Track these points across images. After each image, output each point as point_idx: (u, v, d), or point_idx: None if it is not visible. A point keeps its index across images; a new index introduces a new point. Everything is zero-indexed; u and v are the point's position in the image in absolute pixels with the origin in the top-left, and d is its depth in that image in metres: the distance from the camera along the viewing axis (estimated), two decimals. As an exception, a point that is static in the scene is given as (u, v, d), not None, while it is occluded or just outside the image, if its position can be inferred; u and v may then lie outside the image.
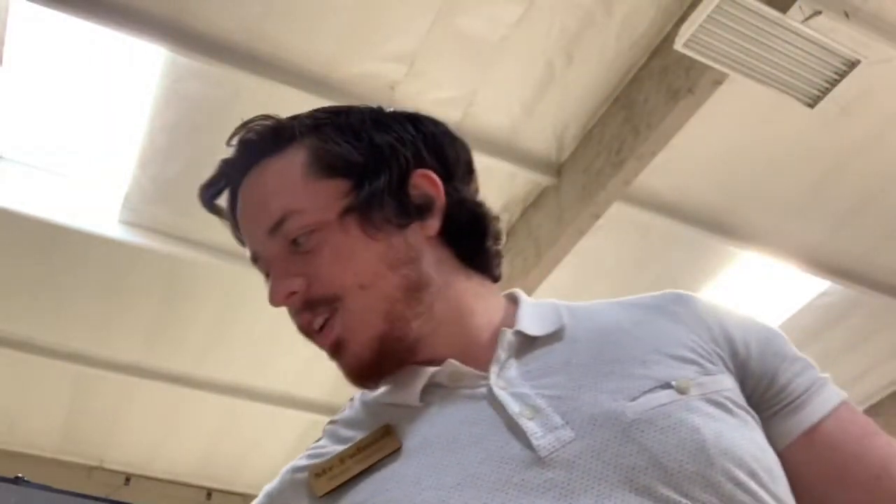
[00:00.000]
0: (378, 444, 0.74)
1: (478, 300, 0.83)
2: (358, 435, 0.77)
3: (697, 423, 0.68)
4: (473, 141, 3.64)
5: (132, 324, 4.34)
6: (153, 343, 4.45)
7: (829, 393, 0.78)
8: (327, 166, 0.82)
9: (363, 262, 0.78)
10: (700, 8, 2.64)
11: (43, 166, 3.66)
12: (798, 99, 2.85)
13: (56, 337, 4.40)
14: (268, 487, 0.80)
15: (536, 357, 0.77)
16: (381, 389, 0.82)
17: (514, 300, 0.86)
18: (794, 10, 2.70)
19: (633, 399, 0.70)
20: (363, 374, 0.80)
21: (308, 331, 0.81)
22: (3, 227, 3.75)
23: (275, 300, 0.80)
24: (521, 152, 3.46)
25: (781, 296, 4.17)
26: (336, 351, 0.80)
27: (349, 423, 0.81)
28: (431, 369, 0.77)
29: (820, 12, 2.75)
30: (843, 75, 2.79)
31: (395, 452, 0.73)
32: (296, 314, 0.81)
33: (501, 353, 0.77)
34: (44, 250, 3.90)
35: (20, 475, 2.39)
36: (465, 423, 0.72)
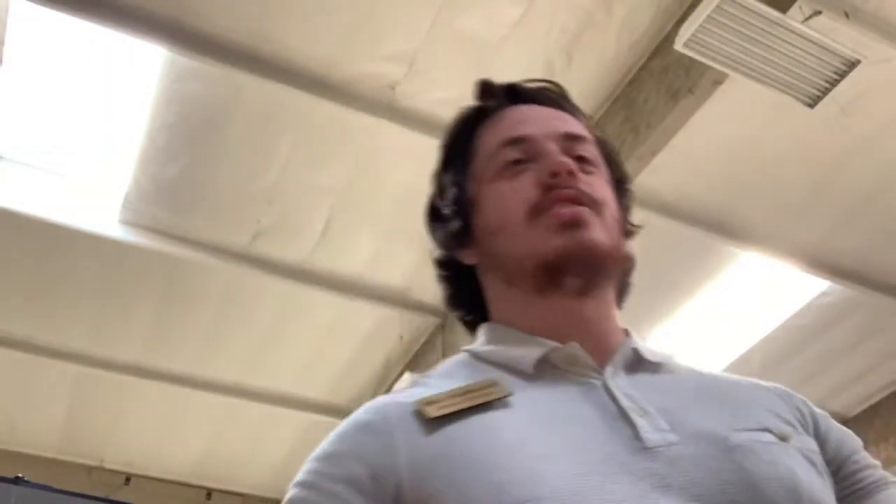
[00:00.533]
0: (485, 391, 0.76)
1: (617, 315, 0.89)
2: (459, 384, 0.78)
3: (795, 467, 0.72)
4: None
5: (132, 324, 4.34)
6: (153, 343, 4.45)
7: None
8: (606, 159, 0.93)
9: (616, 213, 0.88)
10: (700, 8, 2.64)
11: (43, 166, 3.67)
12: (798, 99, 2.85)
13: (56, 337, 4.40)
14: (362, 418, 0.77)
15: (644, 377, 0.81)
16: (490, 347, 0.84)
17: (625, 331, 0.91)
18: (794, 10, 2.70)
19: (736, 430, 0.74)
20: (588, 252, 0.81)
21: (562, 194, 0.83)
22: (3, 227, 3.75)
23: (561, 165, 0.84)
24: (521, 152, 3.45)
25: (781, 296, 4.17)
26: (578, 223, 0.82)
27: (446, 376, 0.82)
28: (552, 343, 0.80)
29: (820, 12, 2.75)
30: (843, 75, 2.79)
31: (504, 400, 0.74)
32: (561, 182, 0.84)
33: (618, 359, 0.81)
34: (44, 250, 3.90)
35: (20, 475, 2.39)
36: (575, 402, 0.75)
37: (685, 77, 2.93)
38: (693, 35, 2.66)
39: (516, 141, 0.88)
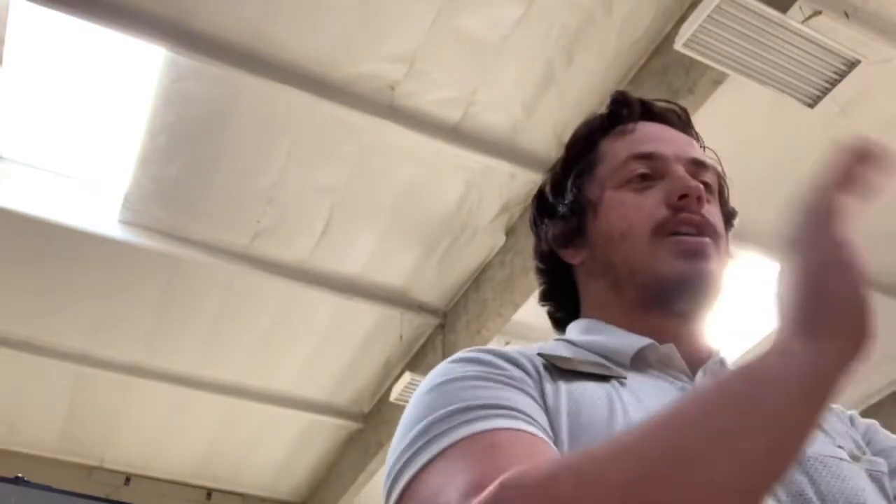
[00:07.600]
0: (601, 366, 0.80)
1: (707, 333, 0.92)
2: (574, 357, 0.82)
3: (863, 485, 0.75)
4: (473, 141, 3.63)
5: (132, 324, 4.34)
6: (153, 343, 4.45)
7: None
8: (719, 190, 0.97)
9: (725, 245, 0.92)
10: (700, 8, 2.64)
11: (43, 166, 3.67)
12: (798, 99, 2.85)
13: (56, 337, 4.41)
14: (486, 349, 0.80)
15: None
16: (587, 338, 0.86)
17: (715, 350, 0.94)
18: (794, 10, 2.70)
19: (810, 444, 0.75)
20: (704, 283, 0.84)
21: (689, 218, 0.86)
22: (3, 227, 3.76)
23: (693, 189, 0.86)
24: (521, 152, 3.45)
25: (781, 296, 4.17)
26: (701, 254, 0.84)
27: (558, 349, 0.84)
28: (649, 340, 0.83)
29: (820, 12, 2.75)
30: (843, 75, 2.79)
31: (619, 380, 0.78)
32: (689, 205, 0.86)
33: (707, 368, 0.84)
34: (44, 250, 3.90)
35: (20, 475, 2.39)
36: (670, 396, 0.78)
37: (685, 77, 2.93)
38: (693, 35, 2.66)
39: (647, 156, 0.90)
